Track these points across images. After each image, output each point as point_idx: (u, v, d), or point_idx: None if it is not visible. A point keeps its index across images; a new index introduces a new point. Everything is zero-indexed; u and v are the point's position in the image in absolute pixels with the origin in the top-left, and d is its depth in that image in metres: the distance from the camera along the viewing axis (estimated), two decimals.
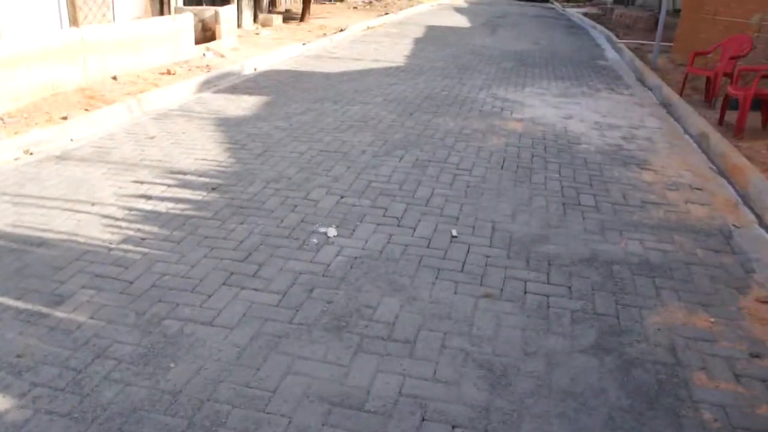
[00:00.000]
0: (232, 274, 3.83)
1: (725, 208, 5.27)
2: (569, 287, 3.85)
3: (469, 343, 3.24)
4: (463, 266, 4.06)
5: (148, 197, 4.96)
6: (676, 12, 17.16)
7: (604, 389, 2.95)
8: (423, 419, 2.69)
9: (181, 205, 4.82)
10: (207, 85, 9.12)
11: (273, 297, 3.59)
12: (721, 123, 7.86)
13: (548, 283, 3.89)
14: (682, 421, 2.76)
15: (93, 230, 4.35)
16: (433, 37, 16.70)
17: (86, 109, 7.26)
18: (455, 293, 3.73)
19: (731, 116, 7.72)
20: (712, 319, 3.57)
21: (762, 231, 4.86)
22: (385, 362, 3.05)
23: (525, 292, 3.77)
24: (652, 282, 3.96)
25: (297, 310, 3.47)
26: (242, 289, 3.67)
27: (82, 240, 4.21)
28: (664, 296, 3.80)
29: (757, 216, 5.14)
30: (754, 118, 7.60)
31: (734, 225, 4.92)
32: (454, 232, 4.53)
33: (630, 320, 3.53)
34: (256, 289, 3.67)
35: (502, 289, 3.79)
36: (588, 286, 3.87)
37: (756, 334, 3.45)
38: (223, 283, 3.72)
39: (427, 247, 4.31)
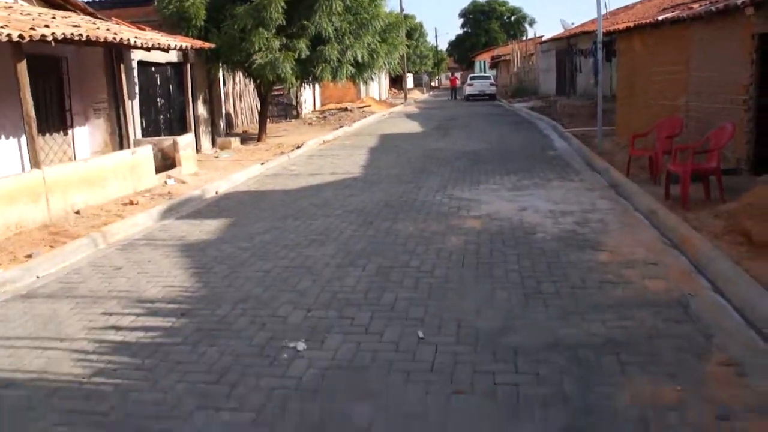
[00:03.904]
0: (206, 396, 3.85)
1: (680, 279, 5.48)
2: (537, 374, 3.94)
3: None
4: (432, 366, 4.13)
5: (118, 328, 4.99)
6: (614, 97, 18.09)
7: None
8: None
9: (151, 333, 4.85)
10: (170, 212, 9.29)
11: (248, 415, 3.61)
12: (667, 198, 8.22)
13: (516, 373, 3.97)
14: None
15: (63, 366, 4.35)
16: (388, 145, 17.27)
17: (51, 246, 7.31)
18: (427, 393, 3.78)
19: (676, 190, 8.09)
20: (679, 388, 3.67)
21: (717, 296, 5.06)
22: None
23: (494, 384, 3.84)
24: (617, 359, 4.07)
25: (273, 426, 3.50)
26: (217, 411, 3.68)
27: (52, 377, 4.20)
28: (630, 371, 3.91)
29: (711, 282, 5.35)
30: (697, 190, 7.98)
31: (690, 294, 5.10)
32: (421, 334, 4.61)
33: (599, 399, 3.61)
34: (230, 409, 3.69)
35: (472, 384, 3.86)
36: (555, 370, 3.97)
37: (721, 396, 3.56)
38: (198, 407, 3.73)
39: (396, 351, 4.38)
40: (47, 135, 11.01)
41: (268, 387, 3.94)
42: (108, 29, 11.07)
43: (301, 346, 4.50)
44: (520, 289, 5.47)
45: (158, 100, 14.79)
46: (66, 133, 11.74)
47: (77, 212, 9.02)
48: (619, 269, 5.81)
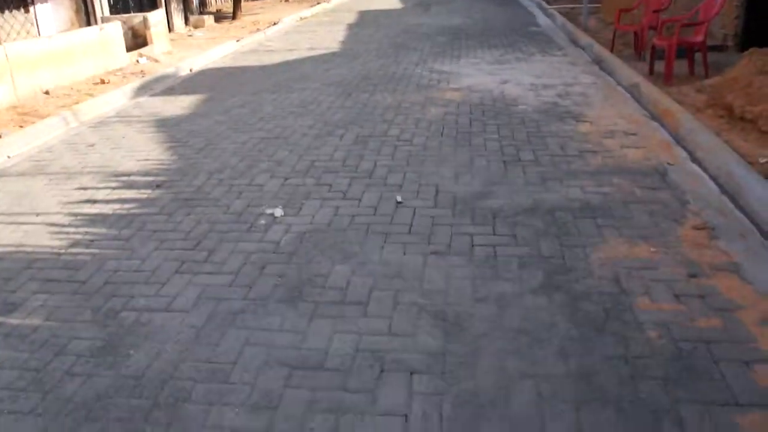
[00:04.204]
0: (183, 262, 3.86)
1: (659, 149, 5.47)
2: (514, 236, 3.97)
3: (421, 297, 3.34)
4: (410, 228, 4.15)
5: (94, 201, 4.93)
6: None
7: (555, 323, 3.07)
8: (381, 370, 2.78)
9: (127, 205, 4.81)
10: (143, 89, 9.03)
11: (226, 278, 3.63)
12: (651, 73, 8.09)
13: (494, 235, 4.00)
14: (629, 342, 2.90)
15: (40, 239, 4.32)
16: (367, 21, 16.76)
17: (21, 126, 7.13)
18: (404, 254, 3.81)
19: (660, 66, 7.96)
20: (653, 249, 3.73)
21: (694, 166, 5.06)
22: (340, 324, 3.13)
23: (472, 246, 3.87)
24: (594, 222, 4.10)
25: (250, 287, 3.52)
26: (195, 274, 3.70)
27: (29, 249, 4.17)
28: (606, 234, 3.95)
29: (689, 153, 5.34)
30: (681, 66, 7.85)
31: (668, 163, 5.10)
32: (399, 198, 4.62)
33: (575, 259, 3.66)
34: (208, 273, 3.71)
35: (449, 245, 3.89)
36: (532, 232, 4.00)
37: (693, 257, 3.62)
38: (176, 272, 3.74)
39: (374, 215, 4.39)
40: (6, 12, 10.49)
41: (245, 251, 3.94)
42: None
43: (278, 212, 4.49)
44: (500, 156, 5.44)
45: None
46: (27, 11, 11.17)
47: (46, 92, 8.74)
48: (599, 139, 5.78)
